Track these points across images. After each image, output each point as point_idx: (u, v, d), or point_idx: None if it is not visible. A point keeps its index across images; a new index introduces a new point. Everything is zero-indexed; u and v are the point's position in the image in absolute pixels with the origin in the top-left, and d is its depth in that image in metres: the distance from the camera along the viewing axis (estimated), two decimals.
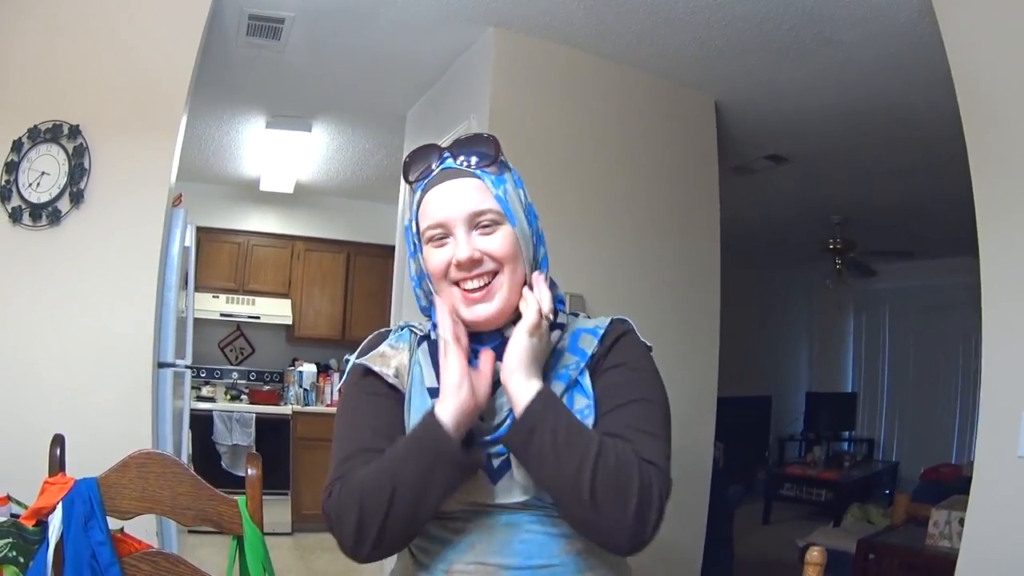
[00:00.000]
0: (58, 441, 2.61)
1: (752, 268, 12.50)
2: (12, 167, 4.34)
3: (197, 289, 7.68)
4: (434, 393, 1.88)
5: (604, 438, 1.71)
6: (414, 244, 1.98)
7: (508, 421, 1.81)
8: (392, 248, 7.37)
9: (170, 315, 4.81)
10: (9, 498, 2.75)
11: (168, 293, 4.77)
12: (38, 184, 4.34)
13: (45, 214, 4.33)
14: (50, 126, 4.39)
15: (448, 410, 1.73)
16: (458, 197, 1.88)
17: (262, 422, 9.29)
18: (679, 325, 5.86)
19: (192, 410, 6.88)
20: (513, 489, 1.81)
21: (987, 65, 3.59)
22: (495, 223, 1.88)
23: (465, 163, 1.91)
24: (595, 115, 5.63)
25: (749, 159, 7.70)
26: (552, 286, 1.96)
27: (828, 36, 5.12)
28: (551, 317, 1.87)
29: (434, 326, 1.95)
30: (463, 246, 1.84)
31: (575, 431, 1.71)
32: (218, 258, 10.01)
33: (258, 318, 10.04)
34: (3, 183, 4.31)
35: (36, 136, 4.37)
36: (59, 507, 2.36)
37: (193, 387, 9.20)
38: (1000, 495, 3.44)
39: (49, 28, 4.49)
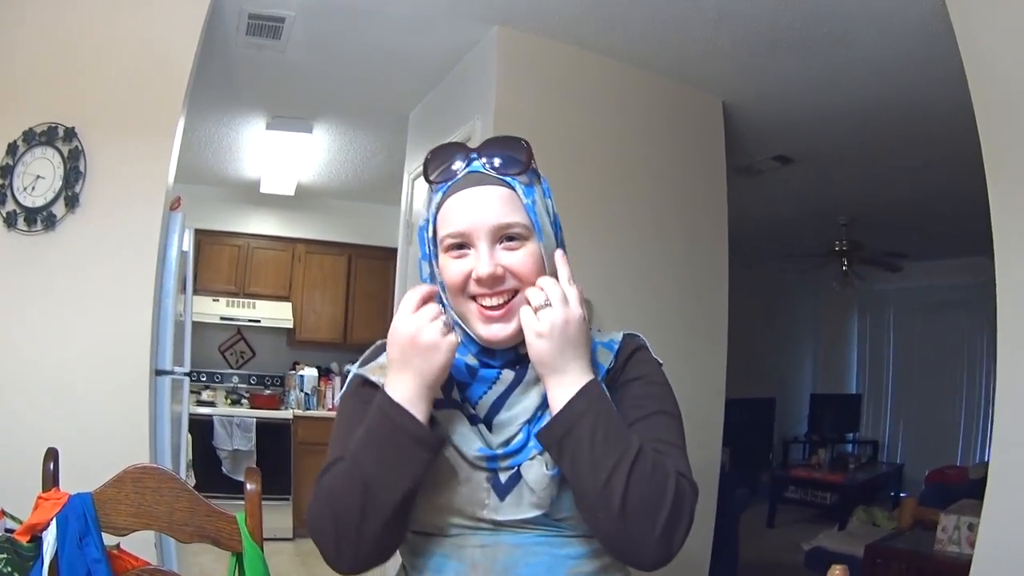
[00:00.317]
0: (51, 455, 2.55)
1: (756, 269, 12.46)
2: (7, 171, 4.29)
3: (197, 292, 7.62)
4: (435, 405, 1.76)
5: (644, 443, 1.65)
6: (429, 248, 1.85)
7: (520, 436, 1.75)
8: (394, 251, 7.30)
9: (168, 321, 4.76)
10: (4, 513, 2.69)
11: (166, 299, 4.72)
12: (33, 188, 4.29)
13: (40, 219, 4.28)
14: (45, 129, 4.34)
15: (397, 386, 1.67)
16: (484, 206, 1.74)
17: (263, 427, 9.23)
18: (686, 328, 5.80)
19: (192, 415, 6.83)
20: (522, 505, 1.73)
21: (1001, 63, 3.54)
22: (521, 238, 1.75)
23: (494, 168, 1.77)
24: (601, 115, 5.59)
25: (756, 160, 7.67)
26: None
27: (838, 35, 5.06)
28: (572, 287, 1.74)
29: None
30: (485, 261, 1.71)
31: (615, 431, 1.64)
32: (218, 261, 9.96)
33: (259, 321, 10.00)
34: None
35: (31, 139, 4.32)
36: (53, 523, 2.30)
37: (193, 391, 9.15)
38: (1016, 500, 3.38)
39: (45, 29, 4.44)
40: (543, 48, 5.36)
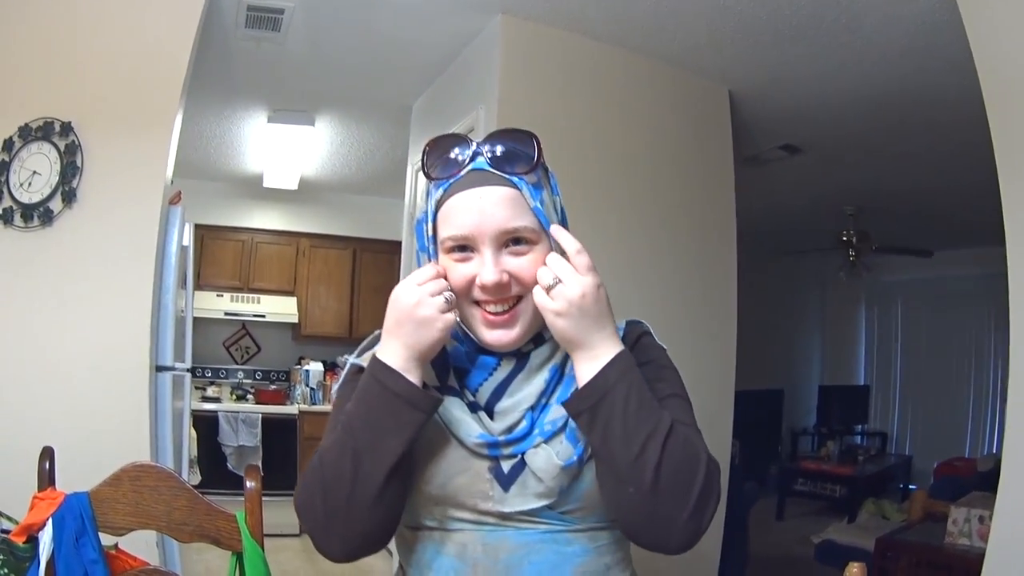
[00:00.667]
0: (47, 454, 2.51)
1: (763, 260, 12.45)
2: (3, 167, 4.28)
3: (201, 288, 7.62)
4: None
5: (676, 419, 1.62)
6: (427, 238, 1.77)
7: (524, 423, 1.70)
8: (399, 243, 7.30)
9: (168, 317, 4.73)
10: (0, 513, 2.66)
11: (165, 294, 4.69)
12: (29, 184, 4.26)
13: (37, 215, 4.25)
14: (41, 124, 4.31)
15: (388, 352, 1.64)
16: (489, 210, 1.65)
17: (268, 422, 9.22)
18: (695, 320, 5.79)
19: (197, 411, 6.83)
20: (528, 495, 1.68)
21: (1010, 49, 3.50)
22: (528, 242, 1.68)
23: (499, 167, 1.68)
24: (606, 104, 5.54)
25: (762, 149, 7.64)
26: None
27: (845, 22, 5.01)
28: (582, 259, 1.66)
29: None
30: (489, 268, 1.65)
31: (648, 402, 1.60)
32: (222, 256, 9.97)
33: (263, 316, 10.02)
34: None
35: (27, 135, 4.30)
36: (49, 523, 2.27)
37: (198, 387, 9.19)
38: None
39: (40, 24, 4.41)
40: (547, 37, 5.32)
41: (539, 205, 1.69)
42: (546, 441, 1.68)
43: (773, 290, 13.41)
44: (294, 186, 9.73)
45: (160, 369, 4.70)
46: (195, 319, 5.61)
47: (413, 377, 1.62)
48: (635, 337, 1.89)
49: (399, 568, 1.88)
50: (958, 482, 8.17)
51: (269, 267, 10.24)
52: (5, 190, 4.24)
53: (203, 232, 9.12)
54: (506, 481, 1.68)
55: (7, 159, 4.28)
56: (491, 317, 1.70)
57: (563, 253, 1.68)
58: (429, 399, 1.61)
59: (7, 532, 2.41)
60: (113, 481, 2.38)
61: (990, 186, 3.58)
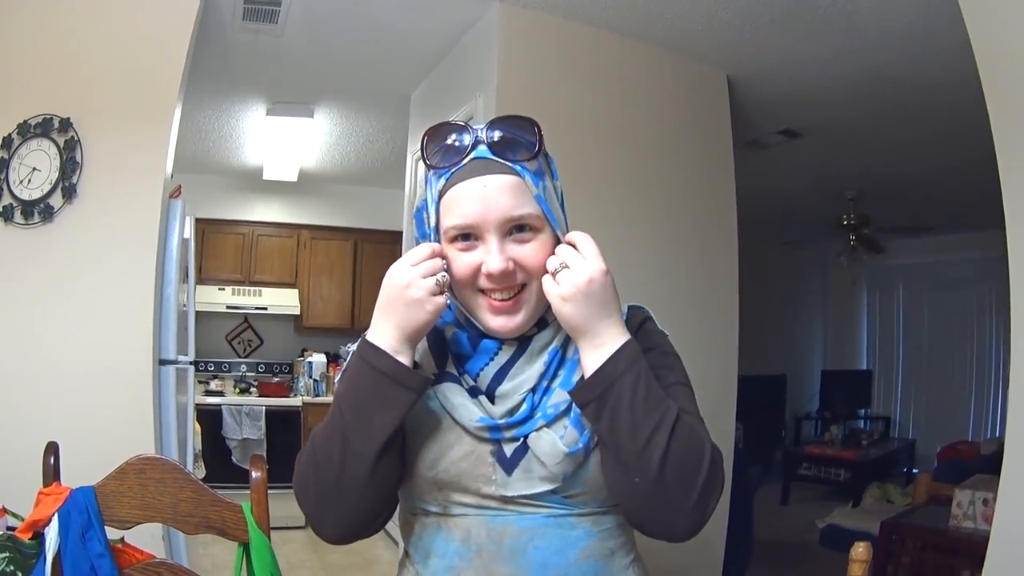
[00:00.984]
0: (52, 449, 2.51)
1: (764, 245, 12.43)
2: (2, 164, 4.28)
3: (202, 282, 7.62)
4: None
5: (681, 409, 1.63)
6: (427, 225, 1.79)
7: (524, 406, 1.71)
8: (399, 233, 7.32)
9: (170, 310, 4.72)
10: (4, 510, 2.65)
11: (167, 288, 4.68)
12: (29, 181, 4.27)
13: (37, 211, 4.25)
14: (40, 120, 4.31)
15: (377, 332, 1.67)
16: (492, 198, 1.65)
17: (272, 415, 9.23)
18: (697, 305, 5.79)
19: (200, 405, 6.83)
20: (532, 479, 1.68)
21: (1008, 32, 3.49)
22: (532, 229, 1.69)
23: (501, 155, 1.68)
24: (605, 91, 5.54)
25: (761, 134, 7.63)
26: None
27: (842, 6, 5.01)
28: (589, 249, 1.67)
29: None
30: (495, 256, 1.65)
31: (654, 392, 1.61)
32: (223, 250, 9.97)
33: (265, 309, 10.02)
34: None
35: (26, 132, 4.30)
36: (55, 519, 2.26)
37: (201, 381, 9.20)
38: None
39: (37, 20, 4.41)
40: (545, 24, 5.30)
41: (541, 193, 1.69)
42: (548, 425, 1.69)
43: (774, 275, 13.43)
44: (294, 178, 9.73)
45: (163, 363, 4.70)
46: (197, 313, 5.60)
47: (402, 357, 1.63)
48: (638, 323, 1.89)
49: (404, 553, 1.89)
50: (961, 465, 8.17)
51: (270, 259, 10.23)
52: (5, 187, 4.24)
53: (204, 226, 9.13)
54: (509, 465, 1.69)
55: (6, 156, 4.28)
56: (496, 303, 1.69)
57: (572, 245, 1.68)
58: (417, 377, 1.62)
59: (13, 529, 2.41)
60: (118, 475, 2.38)
61: (989, 169, 3.59)
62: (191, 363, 5.19)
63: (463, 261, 1.69)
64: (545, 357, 1.76)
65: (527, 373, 1.75)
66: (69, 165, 4.26)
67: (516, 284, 1.69)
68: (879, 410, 14.05)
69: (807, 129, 7.62)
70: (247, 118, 7.79)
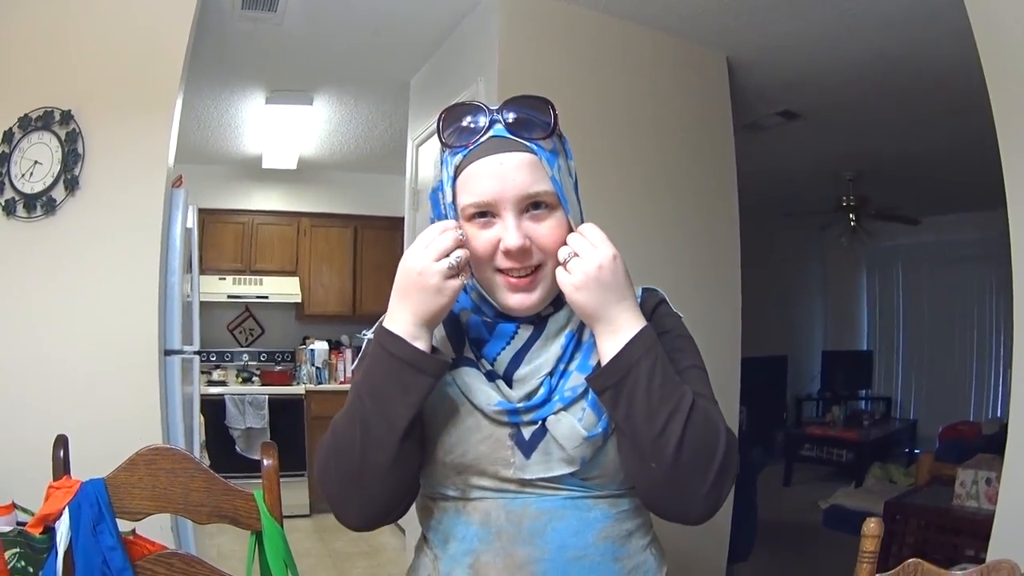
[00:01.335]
0: (61, 442, 2.50)
1: (763, 226, 12.39)
2: (4, 158, 4.27)
3: (203, 272, 7.61)
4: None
5: (697, 394, 1.64)
6: (443, 205, 1.78)
7: (542, 390, 1.71)
8: (400, 220, 7.28)
9: (175, 300, 4.71)
10: (15, 505, 2.65)
11: (171, 277, 4.67)
12: (31, 174, 4.26)
13: (40, 204, 4.24)
14: (41, 113, 4.30)
15: (395, 318, 1.66)
16: (510, 175, 1.66)
17: (275, 403, 9.24)
18: (700, 287, 5.80)
19: (203, 395, 6.82)
20: (551, 462, 1.70)
21: (1008, 15, 3.50)
22: (548, 208, 1.70)
23: (518, 133, 1.69)
24: (606, 75, 5.54)
25: (761, 116, 7.63)
26: None
27: None
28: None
29: None
30: (512, 232, 1.65)
31: (671, 379, 1.62)
32: (223, 239, 9.95)
33: (266, 298, 10.00)
34: None
35: (27, 125, 4.29)
36: (65, 513, 2.26)
37: (204, 371, 9.15)
38: None
39: (36, 12, 4.39)
40: (545, 7, 5.30)
41: (556, 175, 1.70)
42: (566, 408, 1.70)
43: (774, 257, 13.42)
44: (293, 166, 9.73)
45: (169, 353, 4.69)
46: (200, 303, 5.60)
47: (420, 343, 1.63)
48: (652, 306, 1.89)
49: (421, 538, 1.91)
50: (963, 445, 8.21)
51: (270, 248, 10.21)
52: (7, 181, 4.23)
53: (204, 216, 9.04)
54: (527, 448, 1.70)
55: (8, 150, 4.27)
56: (513, 280, 1.70)
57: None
58: (435, 362, 1.62)
59: (23, 524, 2.41)
60: (128, 466, 2.37)
61: (989, 150, 3.60)
62: (196, 353, 5.19)
63: (481, 238, 1.70)
64: (562, 340, 1.77)
65: (544, 357, 1.76)
66: (71, 157, 4.25)
67: (532, 263, 1.70)
68: (880, 391, 14.07)
69: (806, 111, 7.62)
70: (246, 107, 7.78)
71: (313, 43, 6.15)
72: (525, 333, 1.78)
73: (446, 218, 1.76)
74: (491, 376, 1.75)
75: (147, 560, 2.33)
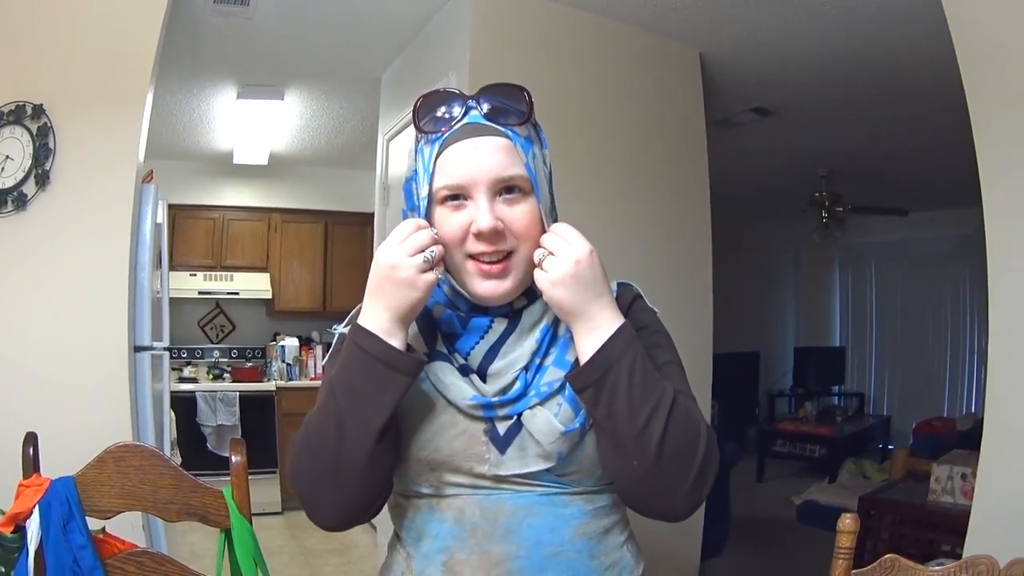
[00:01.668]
0: (31, 440, 2.48)
1: (736, 222, 12.45)
2: None
3: (174, 268, 7.59)
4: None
5: (676, 391, 1.63)
6: (416, 196, 1.78)
7: (518, 384, 1.70)
8: (370, 215, 7.31)
9: (144, 296, 4.69)
10: None
11: (141, 273, 4.64)
12: (2, 169, 4.21)
13: (11, 199, 4.19)
14: (13, 108, 4.24)
15: (369, 315, 1.65)
16: (484, 158, 1.66)
17: (246, 400, 9.22)
18: (671, 283, 5.79)
19: (175, 392, 6.81)
20: (527, 457, 1.68)
21: (984, 14, 3.52)
22: (521, 193, 1.70)
23: (494, 120, 1.71)
24: (577, 70, 5.52)
25: (734, 112, 7.63)
26: None
27: None
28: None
29: None
30: (484, 214, 1.65)
31: (651, 375, 1.61)
32: (194, 235, 9.91)
33: (237, 294, 9.99)
34: None
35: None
36: (36, 511, 2.24)
37: (175, 368, 9.16)
38: (1011, 451, 3.41)
39: (8, 5, 4.35)
40: (517, 2, 5.29)
41: (530, 162, 1.70)
42: (542, 403, 1.69)
43: (747, 252, 13.50)
44: (264, 161, 9.69)
45: (138, 349, 4.66)
46: (170, 299, 5.58)
47: (395, 340, 1.62)
48: (628, 301, 1.90)
49: (394, 536, 1.88)
50: (937, 441, 8.24)
51: (241, 244, 10.19)
52: None
53: (175, 211, 9.08)
54: (502, 443, 1.69)
55: None
56: (484, 267, 1.69)
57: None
58: (410, 361, 1.61)
59: None
60: (97, 464, 2.36)
61: (964, 149, 3.62)
62: (166, 349, 5.17)
63: (453, 221, 1.69)
64: (537, 334, 1.76)
65: (519, 351, 1.75)
66: (42, 152, 4.22)
67: (504, 248, 1.69)
68: (853, 387, 14.16)
69: (779, 108, 7.63)
70: (217, 102, 7.75)
71: (285, 38, 6.11)
72: (500, 327, 1.77)
73: (419, 209, 1.76)
74: (465, 371, 1.74)
75: (117, 559, 2.32)
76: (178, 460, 5.05)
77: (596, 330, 1.63)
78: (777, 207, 12.26)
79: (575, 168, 5.28)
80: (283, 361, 9.90)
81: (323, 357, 7.19)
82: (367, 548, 7.56)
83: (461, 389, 1.69)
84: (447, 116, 1.72)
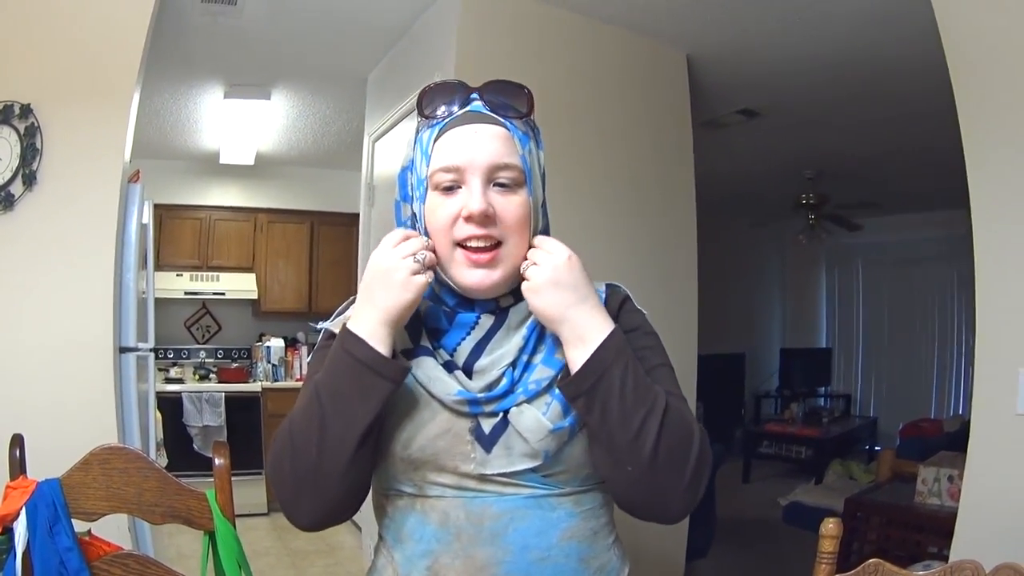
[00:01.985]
0: (17, 442, 2.48)
1: (723, 224, 12.47)
2: None
3: (160, 268, 7.57)
4: (406, 354, 1.74)
5: (668, 393, 1.63)
6: (411, 186, 1.81)
7: (504, 381, 1.70)
8: (356, 216, 7.30)
9: (130, 297, 4.68)
10: None
11: (127, 274, 4.64)
12: None
13: None
14: (1, 108, 4.24)
15: (360, 319, 1.66)
16: (482, 143, 1.69)
17: (232, 400, 9.19)
18: (657, 283, 5.80)
19: (161, 392, 6.80)
20: (513, 456, 1.67)
21: (975, 16, 3.53)
22: (515, 184, 1.71)
23: (494, 110, 1.74)
24: (564, 71, 5.53)
25: (720, 114, 7.64)
26: None
27: None
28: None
29: None
30: (477, 197, 1.66)
31: (642, 381, 1.61)
32: (180, 235, 9.87)
33: (223, 294, 9.94)
34: None
35: None
36: (23, 513, 2.23)
37: (161, 369, 9.15)
38: (998, 453, 3.42)
39: None
40: (505, 3, 5.29)
41: (526, 155, 1.72)
42: (529, 400, 1.68)
43: (733, 254, 13.52)
44: (251, 161, 9.69)
45: (124, 351, 4.65)
46: (155, 300, 5.56)
47: (383, 344, 1.62)
48: (618, 303, 1.89)
49: (379, 538, 1.87)
50: (924, 443, 8.25)
51: (227, 244, 10.15)
52: None
53: (161, 211, 9.05)
54: (488, 442, 1.68)
55: None
56: (473, 256, 1.69)
57: None
58: (396, 367, 1.61)
59: None
60: (83, 466, 2.36)
61: (951, 151, 3.63)
62: (151, 350, 5.16)
63: (444, 207, 1.70)
64: (524, 331, 1.76)
65: (506, 347, 1.75)
66: (29, 152, 4.21)
67: (494, 236, 1.69)
68: (840, 388, 14.21)
69: (766, 109, 7.64)
70: (204, 101, 7.74)
71: (272, 38, 6.12)
72: (487, 323, 1.77)
73: (411, 200, 1.79)
74: (450, 367, 1.73)
75: (103, 561, 2.32)
76: (165, 461, 5.05)
77: (584, 337, 1.63)
78: (764, 208, 12.27)
79: (561, 168, 5.26)
80: (269, 362, 9.87)
81: (308, 357, 7.21)
82: (352, 550, 7.55)
83: (446, 384, 1.68)
84: (449, 103, 1.75)
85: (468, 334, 1.77)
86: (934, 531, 5.39)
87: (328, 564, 7.33)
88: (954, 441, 6.87)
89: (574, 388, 1.61)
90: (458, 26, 5.09)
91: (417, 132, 1.80)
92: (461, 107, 1.74)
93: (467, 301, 1.79)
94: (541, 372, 1.72)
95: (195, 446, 8.73)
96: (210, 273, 9.92)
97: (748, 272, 14.76)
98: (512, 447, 1.67)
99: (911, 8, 4.75)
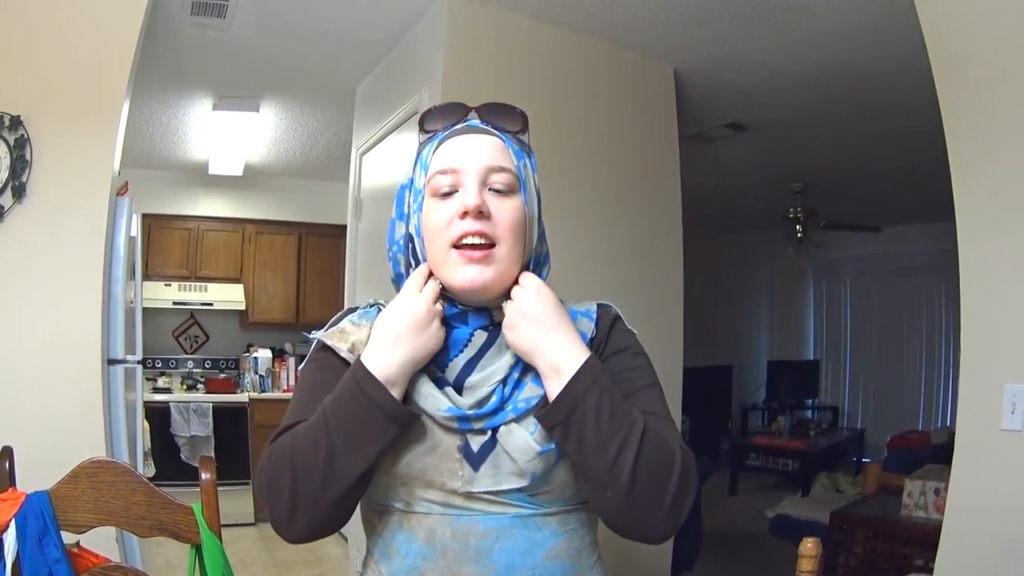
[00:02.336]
0: (6, 454, 2.49)
1: (710, 237, 12.51)
2: None
3: (148, 278, 7.57)
4: None
5: (646, 416, 1.63)
6: (408, 205, 1.84)
7: (494, 398, 1.70)
8: (343, 227, 7.28)
9: (118, 309, 4.68)
10: None
11: (115, 287, 4.64)
12: None
13: None
14: None
15: (383, 359, 1.65)
16: (478, 147, 1.76)
17: (219, 411, 9.17)
18: (643, 296, 5.81)
19: (148, 402, 6.79)
20: (500, 475, 1.68)
21: (961, 30, 3.55)
22: (509, 189, 1.76)
23: (491, 125, 1.82)
24: (552, 86, 5.54)
25: (708, 127, 7.66)
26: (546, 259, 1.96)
27: (791, 2, 5.01)
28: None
29: None
30: (473, 193, 1.70)
31: (619, 407, 1.62)
32: (169, 245, 9.87)
33: (211, 305, 9.94)
34: None
35: None
36: (12, 525, 2.24)
37: (148, 379, 9.13)
38: (983, 468, 3.42)
39: None
40: (491, 18, 5.30)
41: (521, 167, 1.78)
42: (518, 419, 1.69)
43: (721, 267, 13.53)
44: (239, 172, 9.69)
45: (112, 363, 4.66)
46: (144, 310, 5.56)
47: (398, 389, 1.64)
48: (609, 323, 1.90)
49: (367, 552, 1.88)
50: (912, 455, 8.25)
51: (215, 255, 10.15)
52: None
53: (150, 221, 9.06)
54: (476, 460, 1.69)
55: None
56: (467, 253, 1.71)
57: None
58: (407, 415, 1.62)
59: None
60: (71, 479, 2.36)
61: (939, 164, 3.64)
62: (139, 362, 5.16)
63: (441, 211, 1.74)
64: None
65: (497, 364, 1.76)
66: (19, 164, 4.21)
67: (489, 235, 1.71)
68: (827, 400, 14.21)
69: (753, 123, 7.67)
70: (193, 113, 7.75)
71: (261, 50, 6.13)
72: (479, 340, 1.78)
73: (406, 220, 1.83)
74: (440, 383, 1.74)
75: (91, 573, 2.34)
76: (152, 471, 5.05)
77: (557, 368, 1.64)
78: (751, 221, 12.30)
79: (548, 182, 5.26)
80: (256, 373, 9.86)
81: (296, 369, 7.18)
82: (339, 560, 7.54)
83: (437, 400, 1.68)
84: (449, 119, 1.84)
85: (460, 351, 1.78)
86: (920, 544, 5.39)
87: (315, 575, 7.33)
88: (941, 453, 6.88)
89: (549, 419, 1.63)
90: (445, 40, 5.10)
91: (419, 150, 1.85)
92: (459, 123, 1.82)
93: (462, 313, 1.80)
94: (531, 391, 1.73)
95: (182, 456, 8.71)
96: (198, 283, 9.92)
97: (735, 284, 14.75)
98: (500, 466, 1.68)
99: (898, 23, 4.78)
